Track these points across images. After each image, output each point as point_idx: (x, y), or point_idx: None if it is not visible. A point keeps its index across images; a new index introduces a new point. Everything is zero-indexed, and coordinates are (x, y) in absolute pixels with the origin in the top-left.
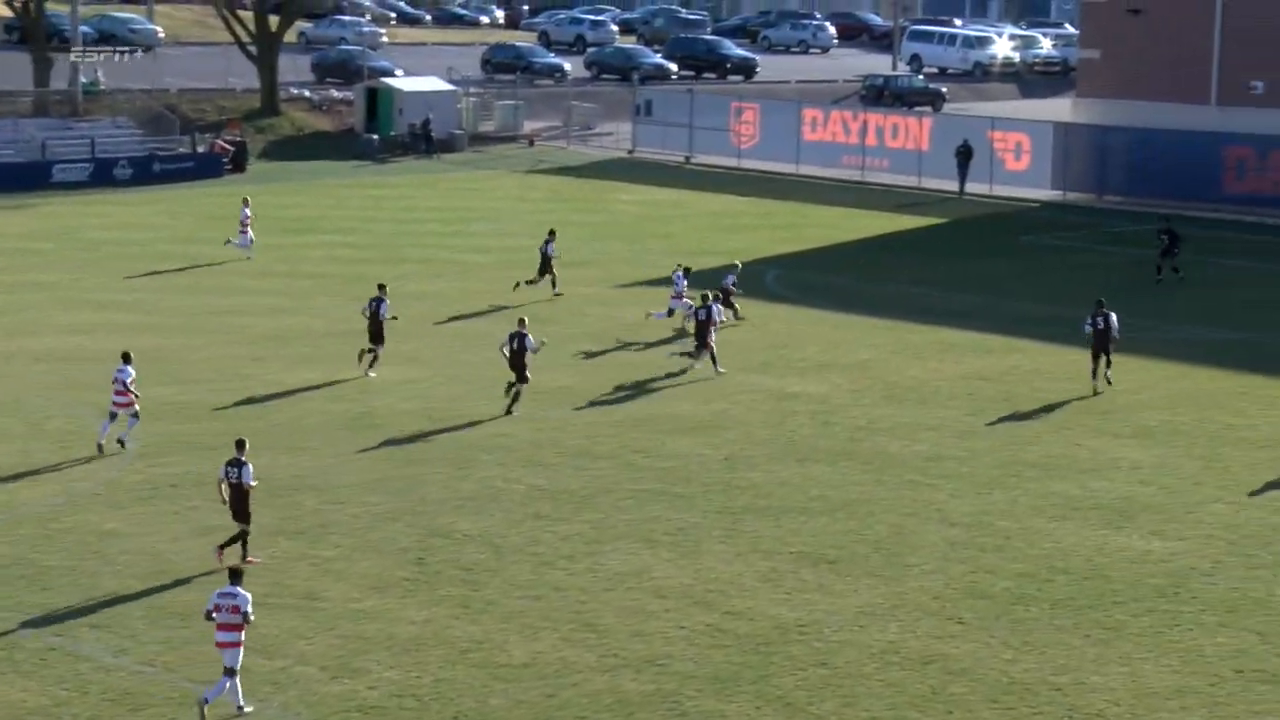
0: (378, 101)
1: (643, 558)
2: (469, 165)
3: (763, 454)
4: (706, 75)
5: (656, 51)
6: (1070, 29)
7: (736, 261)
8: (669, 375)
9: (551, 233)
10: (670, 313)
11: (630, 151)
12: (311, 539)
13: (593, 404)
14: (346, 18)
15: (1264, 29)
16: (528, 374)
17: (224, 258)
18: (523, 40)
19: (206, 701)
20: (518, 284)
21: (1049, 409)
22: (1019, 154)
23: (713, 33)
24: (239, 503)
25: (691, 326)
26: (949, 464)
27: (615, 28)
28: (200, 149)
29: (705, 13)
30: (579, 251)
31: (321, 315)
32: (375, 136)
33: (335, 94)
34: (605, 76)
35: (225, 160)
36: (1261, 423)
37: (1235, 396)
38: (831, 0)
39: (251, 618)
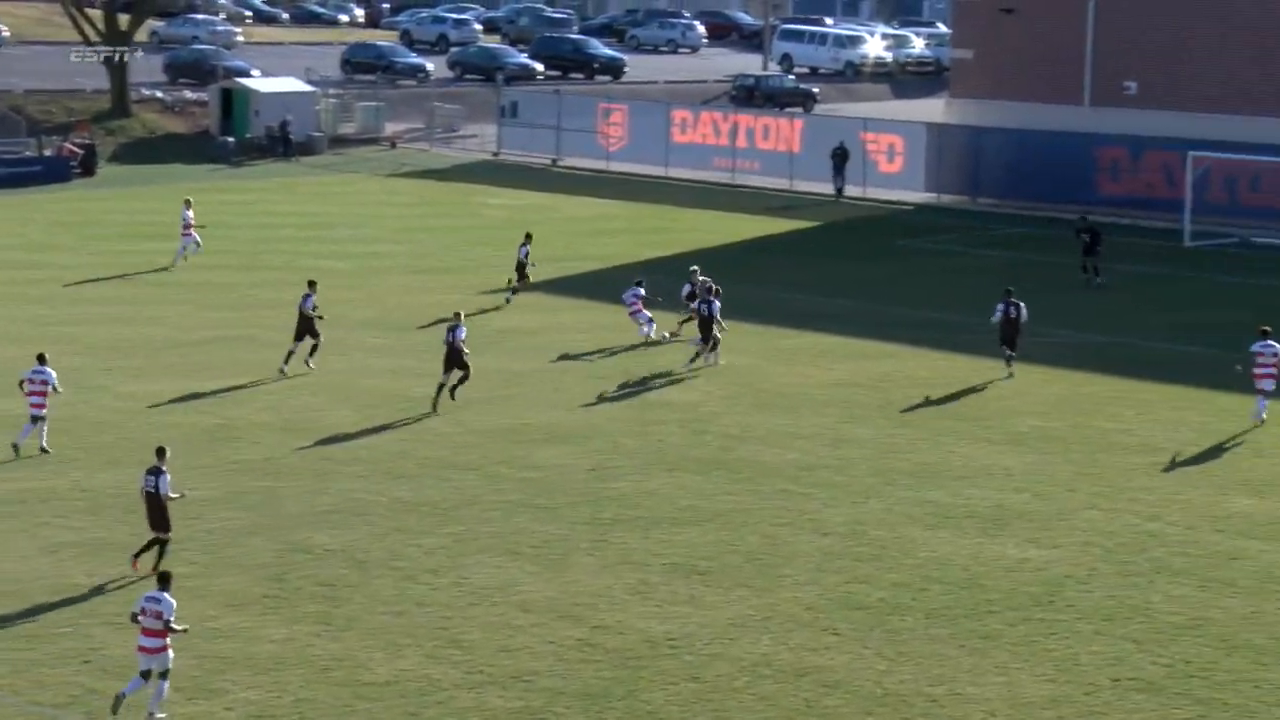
0: (233, 103)
1: (508, 571)
2: (329, 169)
3: (631, 464)
4: (573, 75)
5: (522, 51)
6: (943, 28)
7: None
8: (536, 381)
9: (528, 236)
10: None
11: (495, 154)
12: (167, 555)
13: (457, 414)
14: (200, 16)
15: (1136, 28)
16: (467, 364)
17: (75, 264)
18: (384, 39)
19: (123, 696)
20: (508, 298)
21: (924, 415)
22: (892, 156)
23: (579, 32)
24: (155, 512)
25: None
26: (823, 472)
27: (479, 27)
28: (47, 152)
29: (571, 11)
30: (444, 258)
31: (175, 325)
32: (230, 139)
33: (189, 95)
34: (469, 77)
35: (74, 164)
36: (1136, 427)
37: (1110, 401)
38: None
39: (175, 626)
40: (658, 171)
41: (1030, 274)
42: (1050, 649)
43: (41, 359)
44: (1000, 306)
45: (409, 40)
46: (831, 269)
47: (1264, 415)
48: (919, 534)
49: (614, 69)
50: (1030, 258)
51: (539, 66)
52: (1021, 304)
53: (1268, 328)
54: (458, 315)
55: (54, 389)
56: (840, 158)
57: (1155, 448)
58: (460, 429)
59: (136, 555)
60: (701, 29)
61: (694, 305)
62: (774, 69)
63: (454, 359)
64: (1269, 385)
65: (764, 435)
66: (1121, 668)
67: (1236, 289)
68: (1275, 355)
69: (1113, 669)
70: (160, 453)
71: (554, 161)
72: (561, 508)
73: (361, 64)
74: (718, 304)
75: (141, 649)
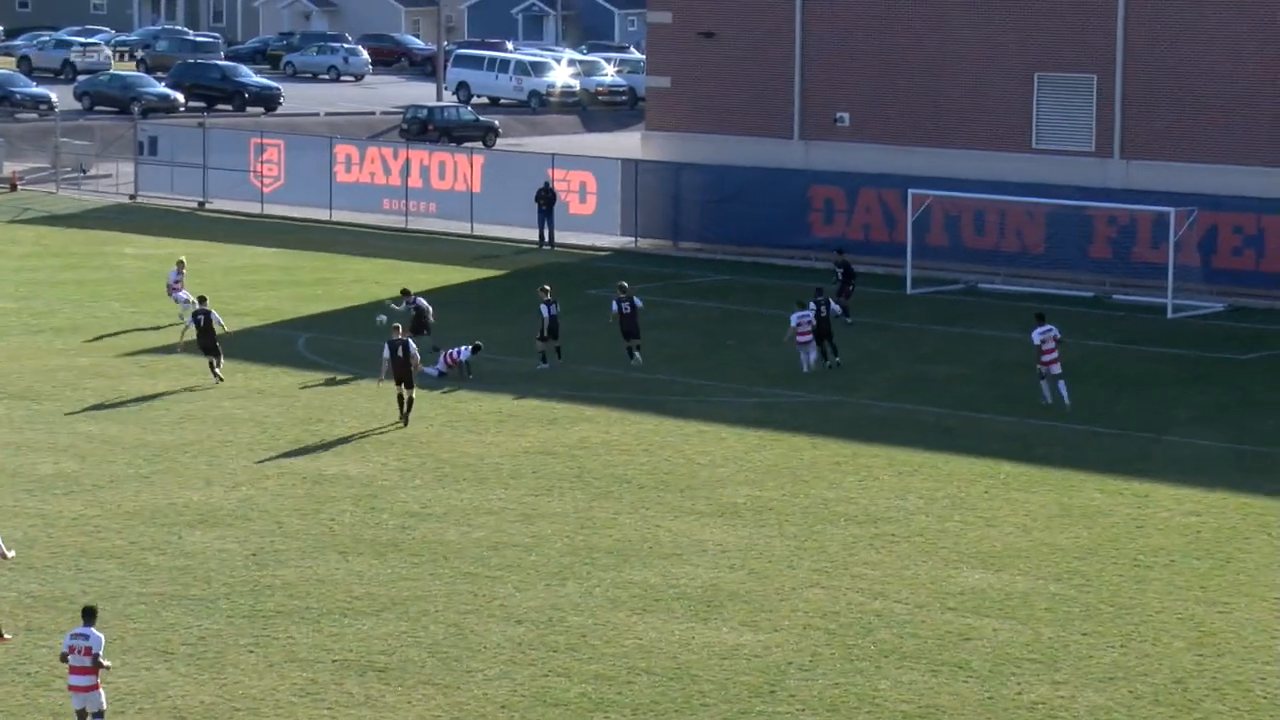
0: None
1: (157, 674)
2: None
3: (296, 547)
4: (221, 107)
5: (161, 80)
6: (637, 54)
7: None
8: (189, 456)
9: (546, 290)
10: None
11: (133, 196)
12: None
13: (96, 493)
14: None
15: (848, 54)
16: (414, 382)
17: None
18: None
19: None
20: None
21: (625, 486)
22: (584, 196)
23: (227, 58)
24: None
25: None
26: (513, 552)
27: (110, 52)
28: None
29: (218, 35)
30: (71, 315)
31: None
32: None
33: None
34: (100, 109)
35: None
36: (859, 496)
37: (830, 467)
38: (364, 21)
39: (105, 663)
40: (320, 215)
41: (738, 327)
42: None
43: None
44: (812, 306)
45: (29, 68)
46: (515, 323)
47: (1066, 398)
48: (623, 619)
49: (268, 99)
50: (738, 308)
51: (181, 97)
52: (831, 300)
53: (1042, 312)
54: (397, 329)
55: None
56: (546, 199)
57: (879, 517)
58: (100, 511)
59: None
60: (366, 55)
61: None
62: (449, 99)
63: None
64: (1057, 369)
65: (446, 511)
66: None
67: (962, 340)
68: (1056, 338)
69: None
70: None
71: (201, 204)
72: (218, 599)
73: None
74: (640, 301)
75: (73, 689)
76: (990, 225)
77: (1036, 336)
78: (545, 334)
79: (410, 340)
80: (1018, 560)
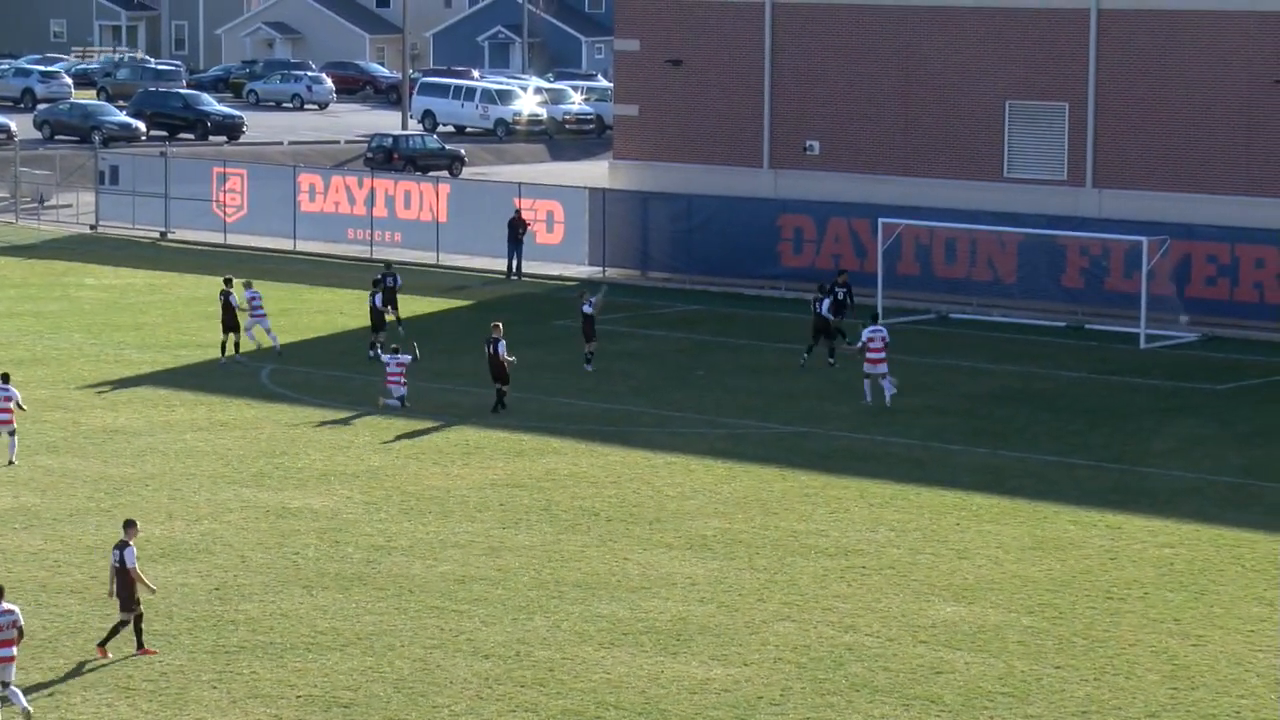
0: None
1: (118, 710)
2: None
3: (259, 582)
4: (183, 136)
5: (122, 108)
6: (605, 82)
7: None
8: (150, 489)
9: (589, 314)
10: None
11: (93, 227)
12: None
13: (56, 527)
14: None
15: (817, 81)
16: (508, 375)
17: None
18: None
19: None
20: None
21: (592, 518)
22: (551, 225)
23: (190, 86)
24: (123, 589)
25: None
26: (479, 586)
27: (70, 80)
28: None
29: (179, 63)
30: (31, 347)
31: None
32: None
33: None
34: (61, 138)
35: None
36: (830, 528)
37: (800, 499)
38: (328, 49)
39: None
40: (284, 245)
41: (708, 356)
42: None
43: (5, 378)
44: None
45: None
46: (480, 355)
47: (889, 397)
48: (591, 653)
49: (230, 128)
50: (707, 338)
51: (142, 126)
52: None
53: (878, 313)
54: (498, 328)
55: (19, 406)
56: (516, 228)
57: (850, 550)
58: (60, 546)
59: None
60: (330, 83)
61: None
62: (415, 128)
63: (497, 370)
64: (883, 369)
65: (411, 545)
66: None
67: (934, 371)
68: (885, 340)
69: None
70: (129, 525)
71: (163, 234)
72: (180, 634)
73: None
74: (596, 300)
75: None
76: (962, 254)
77: (865, 334)
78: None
79: (501, 340)
80: (990, 593)
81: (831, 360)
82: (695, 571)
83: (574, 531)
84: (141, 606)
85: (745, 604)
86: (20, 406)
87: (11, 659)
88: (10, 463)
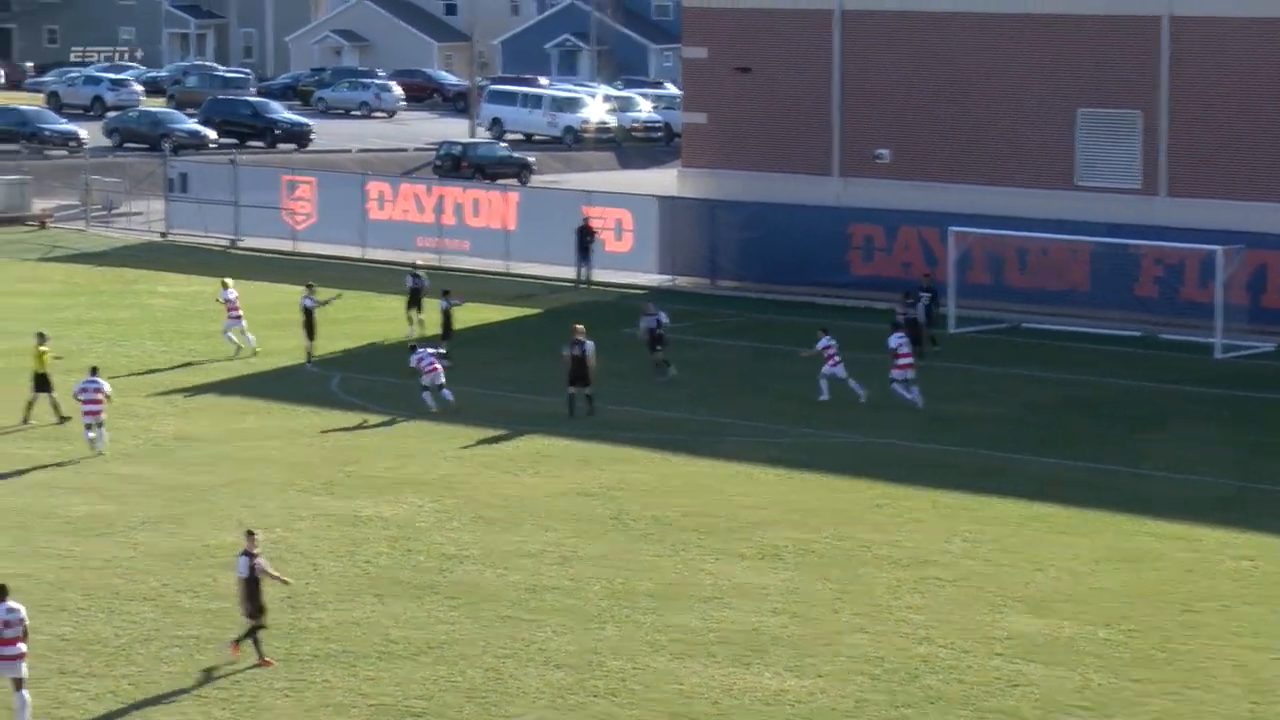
0: None
1: (191, 718)
2: None
3: (332, 590)
4: (252, 143)
5: (191, 116)
6: (673, 89)
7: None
8: (222, 497)
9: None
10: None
11: (164, 234)
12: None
13: (130, 534)
14: None
15: (888, 89)
16: (590, 377)
17: None
18: (27, 103)
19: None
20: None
21: (665, 528)
22: (620, 233)
23: (258, 93)
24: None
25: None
26: (551, 595)
27: (140, 88)
28: None
29: (248, 70)
30: (104, 354)
31: None
32: None
33: None
34: (130, 146)
35: None
36: (903, 538)
37: (871, 509)
38: (396, 56)
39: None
40: (353, 252)
41: (774, 366)
42: None
43: (95, 370)
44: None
45: (58, 104)
46: (551, 364)
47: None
48: (663, 664)
49: (299, 136)
50: (775, 347)
51: (211, 133)
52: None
53: (824, 327)
54: (582, 330)
55: (108, 397)
56: (585, 236)
57: (924, 560)
58: (133, 553)
59: (236, 641)
60: (399, 90)
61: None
62: (483, 135)
63: (583, 373)
64: (842, 371)
65: (483, 554)
66: None
67: (1004, 380)
68: (830, 345)
69: None
70: (251, 534)
71: (232, 242)
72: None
73: (1, 132)
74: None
75: (16, 657)
76: (1033, 263)
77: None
78: (573, 378)
79: (589, 341)
80: (1066, 605)
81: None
82: (768, 582)
83: (646, 541)
84: (265, 618)
85: (819, 615)
86: (108, 397)
87: (20, 656)
88: (99, 454)
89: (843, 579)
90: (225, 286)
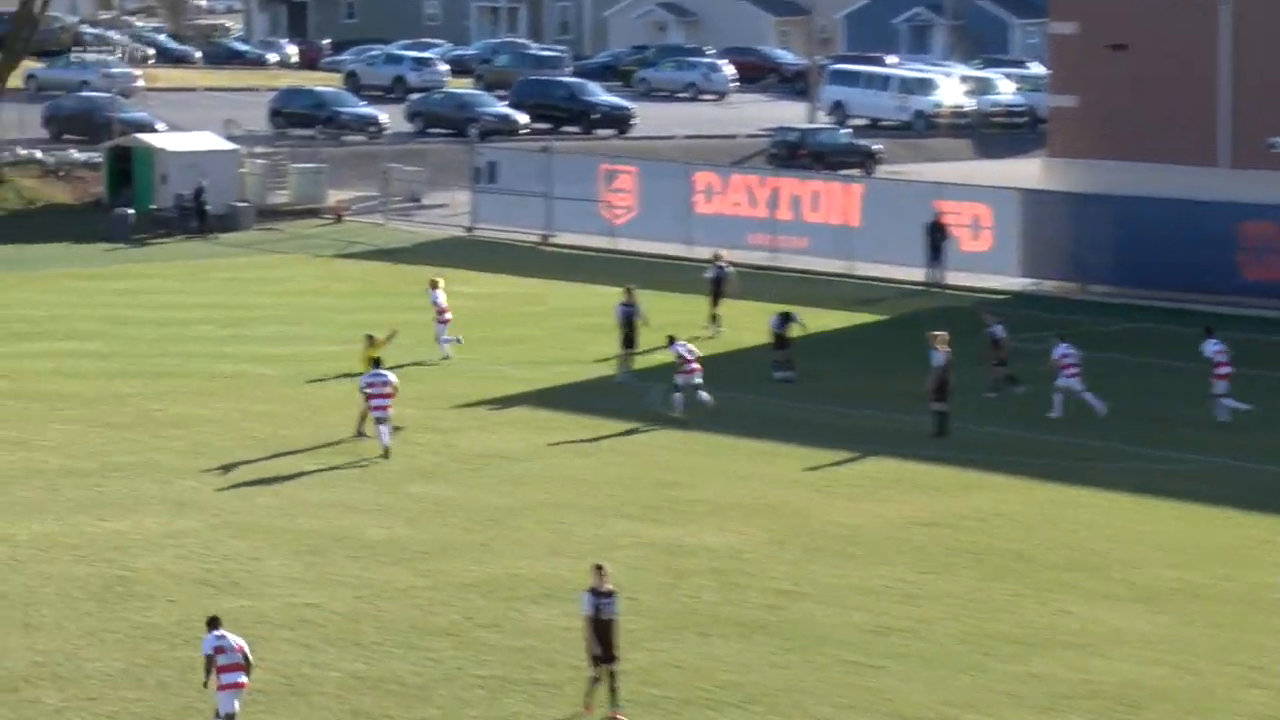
0: (133, 165)
1: None
2: (254, 248)
3: (650, 627)
4: (567, 129)
5: (501, 98)
6: (1038, 69)
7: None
8: (530, 521)
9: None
10: None
11: (469, 229)
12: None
13: (428, 561)
14: (90, 56)
15: None
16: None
17: None
18: (324, 84)
19: None
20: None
21: (1025, 564)
22: (977, 230)
23: (574, 74)
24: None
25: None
26: (897, 638)
27: (445, 68)
28: None
29: (564, 49)
30: (401, 360)
31: (55, 449)
32: (129, 211)
33: (76, 155)
34: (434, 131)
35: None
36: None
37: (1261, 546)
38: (727, 33)
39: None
40: (677, 250)
41: (1151, 380)
42: None
43: (377, 362)
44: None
45: (356, 85)
46: (901, 376)
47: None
48: (1026, 718)
49: (619, 120)
50: (1150, 360)
51: (523, 118)
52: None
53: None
54: (944, 338)
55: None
56: (937, 233)
57: None
58: (431, 583)
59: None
60: (730, 70)
61: None
62: (823, 120)
63: (945, 388)
64: (1079, 383)
65: (819, 590)
66: None
67: None
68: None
69: None
70: (599, 569)
71: (544, 238)
72: (563, 684)
73: (296, 115)
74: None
75: (230, 686)
76: None
77: (1057, 352)
78: (937, 389)
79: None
80: None
81: None
82: (1146, 628)
83: (1003, 578)
84: (618, 664)
85: (1205, 667)
86: (396, 389)
87: (238, 685)
88: (384, 451)
89: (1233, 626)
90: (434, 287)
